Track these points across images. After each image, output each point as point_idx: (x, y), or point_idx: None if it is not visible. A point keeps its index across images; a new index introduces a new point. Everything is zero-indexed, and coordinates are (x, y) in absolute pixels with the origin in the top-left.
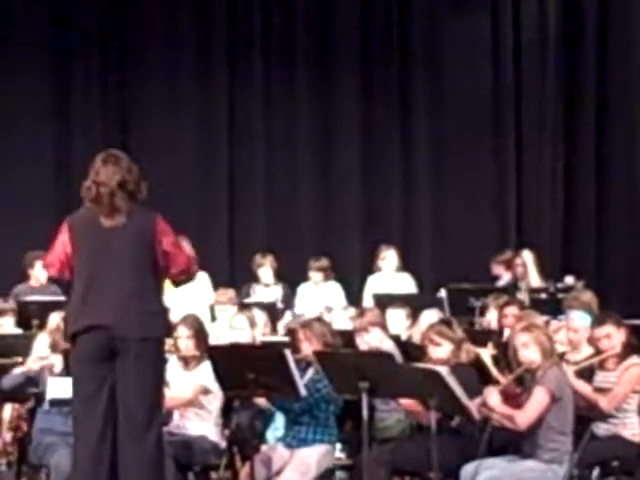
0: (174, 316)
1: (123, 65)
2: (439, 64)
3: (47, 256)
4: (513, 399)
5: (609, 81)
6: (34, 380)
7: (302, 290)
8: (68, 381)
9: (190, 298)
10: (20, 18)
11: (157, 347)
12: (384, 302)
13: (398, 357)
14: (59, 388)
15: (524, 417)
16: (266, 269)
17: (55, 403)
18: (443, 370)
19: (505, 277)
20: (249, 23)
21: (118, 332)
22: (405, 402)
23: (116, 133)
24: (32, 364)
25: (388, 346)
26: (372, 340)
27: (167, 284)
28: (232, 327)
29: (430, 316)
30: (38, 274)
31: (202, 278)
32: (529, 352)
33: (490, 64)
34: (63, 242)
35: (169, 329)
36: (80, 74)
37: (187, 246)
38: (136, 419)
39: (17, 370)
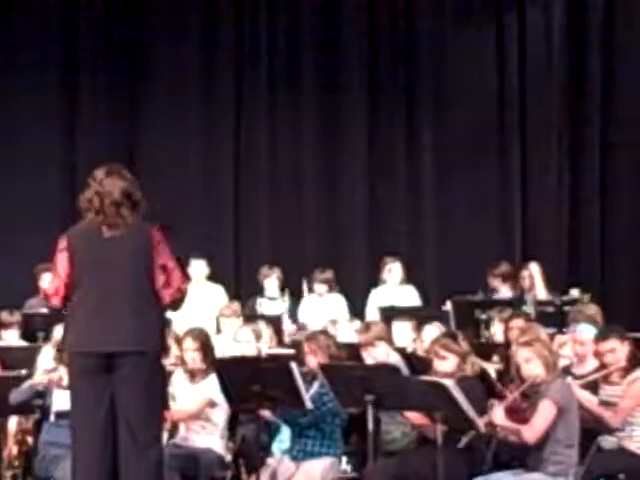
0: (181, 327)
1: (131, 79)
2: (445, 75)
3: (49, 285)
4: (519, 414)
5: (615, 92)
6: (42, 394)
7: (306, 302)
8: None
9: (197, 310)
10: (28, 26)
11: (154, 361)
12: (390, 315)
13: (404, 370)
14: (65, 400)
15: (532, 431)
16: (272, 280)
17: (61, 415)
18: (449, 383)
19: (503, 290)
20: (255, 34)
21: (115, 346)
22: (411, 415)
23: (122, 147)
24: (40, 378)
25: (395, 360)
26: (379, 354)
27: None
28: (237, 340)
29: (431, 331)
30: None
31: (216, 291)
32: (532, 367)
33: (495, 76)
34: (62, 265)
35: (165, 342)
36: (87, 87)
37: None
38: (135, 433)
39: (25, 385)
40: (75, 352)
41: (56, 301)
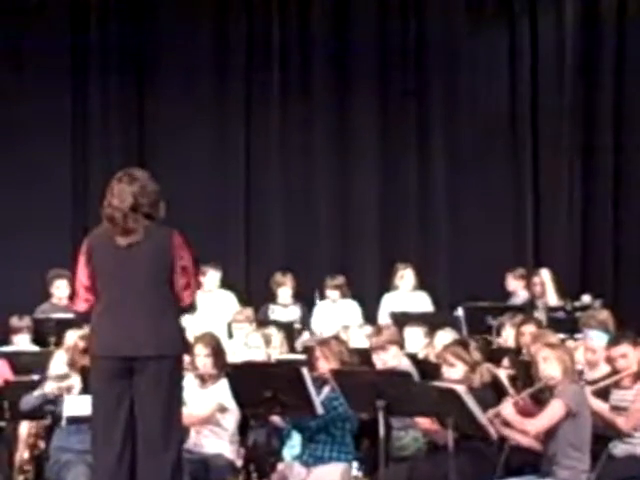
0: (193, 333)
1: (141, 84)
2: (456, 78)
3: (74, 290)
4: (529, 416)
5: (627, 99)
6: (53, 401)
7: (319, 308)
8: (86, 399)
9: (209, 315)
10: (37, 28)
11: (174, 365)
12: (401, 320)
13: (415, 375)
14: (76, 406)
15: (536, 424)
16: (285, 288)
17: (72, 421)
18: (461, 389)
19: (521, 294)
20: (267, 32)
21: (135, 351)
22: (422, 421)
23: (133, 153)
24: (51, 387)
25: (405, 364)
26: (389, 359)
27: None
28: (247, 345)
29: (444, 337)
30: (59, 293)
31: (228, 297)
32: (550, 368)
33: (507, 80)
34: (81, 268)
35: (186, 347)
36: (98, 93)
37: None
38: (154, 437)
39: (36, 393)
40: (96, 356)
41: (80, 305)
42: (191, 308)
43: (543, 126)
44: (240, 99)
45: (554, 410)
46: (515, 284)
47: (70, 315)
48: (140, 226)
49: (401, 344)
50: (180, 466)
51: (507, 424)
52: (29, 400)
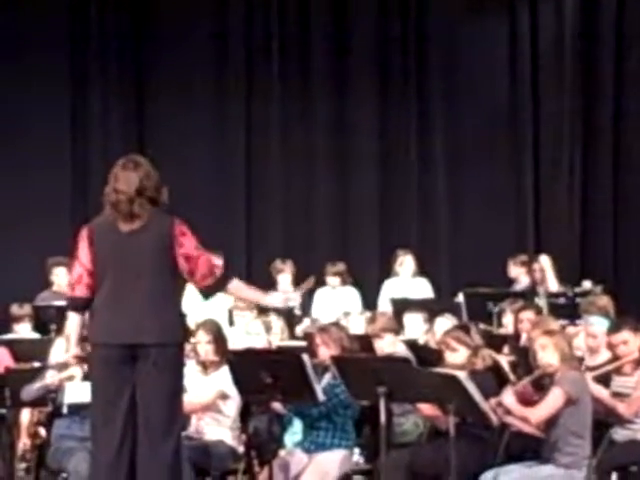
0: (194, 320)
1: (140, 72)
2: (456, 65)
3: (72, 274)
4: (530, 404)
5: (627, 90)
6: (54, 390)
7: (319, 295)
8: (87, 386)
9: (209, 303)
10: (37, 20)
11: (176, 353)
12: (401, 307)
13: (413, 362)
14: (77, 393)
15: (536, 414)
16: (285, 275)
17: (73, 408)
18: (461, 375)
19: (523, 280)
20: (266, 20)
21: (137, 338)
22: (423, 407)
23: (133, 141)
24: (51, 379)
25: (401, 351)
26: (385, 346)
27: (189, 288)
28: (248, 332)
29: (443, 323)
30: (59, 281)
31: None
32: (547, 356)
33: (507, 66)
34: (84, 252)
35: (187, 334)
36: (97, 80)
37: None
38: (155, 425)
39: (37, 383)
40: (97, 343)
41: (80, 290)
42: (208, 292)
43: (544, 113)
44: (240, 88)
45: (554, 399)
46: (517, 271)
47: None
48: (145, 212)
49: (397, 331)
50: (180, 453)
51: (509, 412)
52: (30, 391)
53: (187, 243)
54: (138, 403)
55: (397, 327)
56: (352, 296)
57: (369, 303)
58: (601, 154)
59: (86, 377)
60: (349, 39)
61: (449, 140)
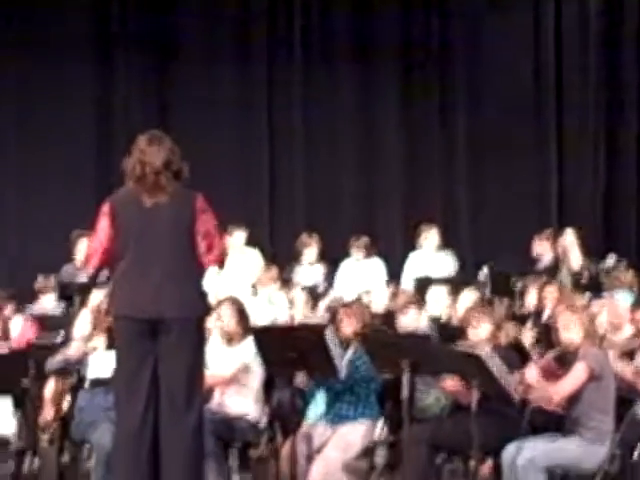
0: (218, 292)
1: (164, 44)
2: (481, 50)
3: (89, 247)
4: (553, 379)
5: None
6: (77, 362)
7: (344, 267)
8: (110, 359)
9: (235, 275)
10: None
11: (197, 327)
12: (425, 284)
13: (435, 338)
14: (100, 367)
15: (559, 389)
16: (312, 249)
17: (96, 383)
18: (483, 353)
19: (547, 257)
20: (289, 18)
21: (158, 312)
22: (445, 382)
23: (156, 113)
24: (75, 349)
25: (424, 326)
26: (409, 321)
27: None
28: (271, 302)
29: (467, 298)
30: (82, 254)
31: (253, 255)
32: (571, 331)
33: (531, 61)
34: (103, 229)
35: (208, 309)
36: (122, 52)
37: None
38: (177, 398)
39: (61, 355)
40: (120, 316)
41: (94, 263)
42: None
43: (568, 85)
44: (263, 62)
45: (577, 374)
46: (542, 247)
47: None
48: (170, 186)
49: (420, 305)
50: (202, 426)
51: (531, 388)
52: (53, 363)
53: (208, 219)
54: (160, 376)
55: (420, 302)
56: (377, 267)
57: (393, 277)
58: (626, 129)
59: (109, 347)
60: (372, 28)
61: (473, 117)
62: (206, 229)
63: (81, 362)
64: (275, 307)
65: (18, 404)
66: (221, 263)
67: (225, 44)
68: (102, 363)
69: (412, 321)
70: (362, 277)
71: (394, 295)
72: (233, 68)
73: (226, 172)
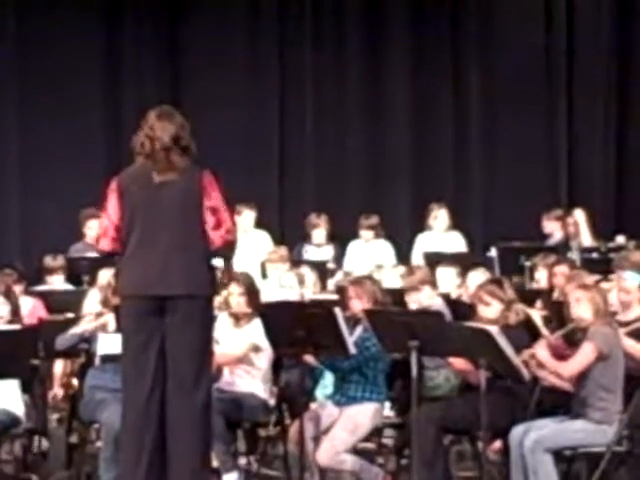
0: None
1: (174, 19)
2: (491, 17)
3: (99, 227)
4: (562, 358)
5: None
6: (87, 339)
7: (352, 247)
8: (119, 337)
9: (244, 255)
10: None
11: (205, 305)
12: (434, 261)
13: (447, 316)
14: (110, 344)
15: (568, 368)
16: (320, 230)
17: (106, 359)
18: (494, 329)
19: (557, 235)
20: None
21: (166, 290)
22: (455, 361)
23: (167, 90)
24: (86, 325)
25: (438, 304)
26: (423, 299)
27: None
28: (281, 285)
29: (477, 277)
30: (92, 233)
31: (262, 237)
32: (581, 310)
33: (543, 18)
34: (112, 206)
35: (217, 287)
36: (131, 28)
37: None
38: (184, 377)
39: (72, 331)
40: (127, 295)
41: (105, 243)
42: (226, 251)
43: (578, 64)
44: (274, 38)
45: (585, 354)
46: (551, 226)
47: None
48: (179, 161)
49: (434, 284)
50: (210, 405)
51: (541, 365)
52: (64, 340)
53: (216, 195)
54: (167, 355)
55: (435, 281)
56: (385, 249)
57: (402, 256)
58: (636, 109)
59: (119, 327)
60: None
61: (483, 92)
62: (214, 205)
63: (91, 339)
64: (285, 289)
65: (27, 384)
66: (232, 242)
67: (236, 20)
68: (112, 340)
69: (427, 298)
70: (370, 258)
71: (409, 272)
72: (243, 44)
73: (235, 152)
